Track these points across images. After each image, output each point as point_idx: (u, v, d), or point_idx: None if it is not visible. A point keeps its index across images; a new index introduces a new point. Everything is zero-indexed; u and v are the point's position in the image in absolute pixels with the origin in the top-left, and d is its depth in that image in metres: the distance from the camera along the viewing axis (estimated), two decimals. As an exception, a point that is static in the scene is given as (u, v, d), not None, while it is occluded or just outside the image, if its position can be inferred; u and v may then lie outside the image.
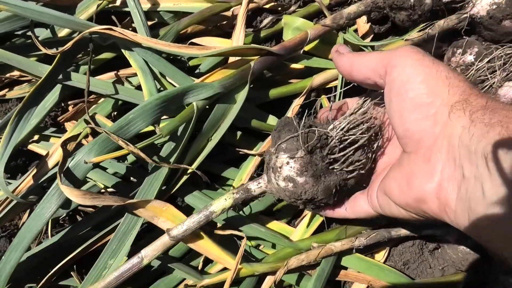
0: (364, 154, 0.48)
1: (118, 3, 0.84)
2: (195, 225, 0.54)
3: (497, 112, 0.34)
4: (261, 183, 0.51)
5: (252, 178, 0.79)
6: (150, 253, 0.58)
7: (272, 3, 0.90)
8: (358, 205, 0.52)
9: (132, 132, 0.62)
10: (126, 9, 0.80)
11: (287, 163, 0.45)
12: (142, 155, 0.58)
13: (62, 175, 0.58)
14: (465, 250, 0.69)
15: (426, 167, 0.37)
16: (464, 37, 0.79)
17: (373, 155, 0.51)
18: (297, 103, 0.81)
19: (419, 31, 0.77)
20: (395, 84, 0.40)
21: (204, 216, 0.53)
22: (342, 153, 0.46)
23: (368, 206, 0.51)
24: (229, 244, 0.70)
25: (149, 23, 0.87)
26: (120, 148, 0.60)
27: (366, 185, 0.54)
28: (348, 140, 0.46)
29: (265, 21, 0.88)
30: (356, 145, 0.47)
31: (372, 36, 0.86)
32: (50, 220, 0.73)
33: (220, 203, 0.51)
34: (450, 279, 0.71)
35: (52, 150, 0.75)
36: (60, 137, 0.80)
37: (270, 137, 0.78)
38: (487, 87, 0.75)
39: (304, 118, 0.49)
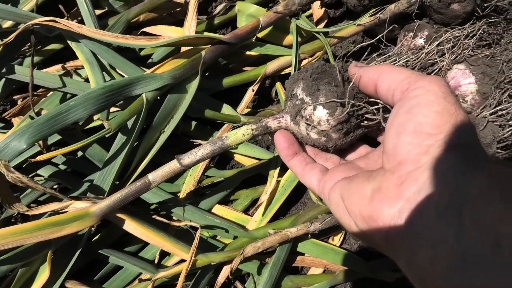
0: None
1: (64, -9, 0.80)
2: (209, 155, 0.52)
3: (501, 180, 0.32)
4: (281, 122, 0.49)
5: (208, 168, 0.79)
6: (158, 178, 0.57)
7: (226, -11, 0.88)
8: (310, 175, 0.48)
9: (71, 119, 0.60)
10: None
11: (327, 120, 0.45)
12: (49, 190, 0.57)
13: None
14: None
15: (394, 190, 0.36)
16: (415, 20, 0.79)
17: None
18: (251, 90, 0.80)
19: (371, 15, 0.77)
20: (410, 102, 0.39)
21: (218, 147, 0.52)
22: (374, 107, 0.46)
23: (316, 183, 0.47)
24: (186, 236, 0.70)
25: (99, 11, 0.84)
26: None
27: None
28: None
29: (218, 8, 0.86)
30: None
31: (326, 21, 0.86)
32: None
33: (237, 137, 0.50)
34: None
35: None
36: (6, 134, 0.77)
37: (225, 125, 0.77)
38: (437, 70, 0.76)
39: (341, 69, 0.47)
